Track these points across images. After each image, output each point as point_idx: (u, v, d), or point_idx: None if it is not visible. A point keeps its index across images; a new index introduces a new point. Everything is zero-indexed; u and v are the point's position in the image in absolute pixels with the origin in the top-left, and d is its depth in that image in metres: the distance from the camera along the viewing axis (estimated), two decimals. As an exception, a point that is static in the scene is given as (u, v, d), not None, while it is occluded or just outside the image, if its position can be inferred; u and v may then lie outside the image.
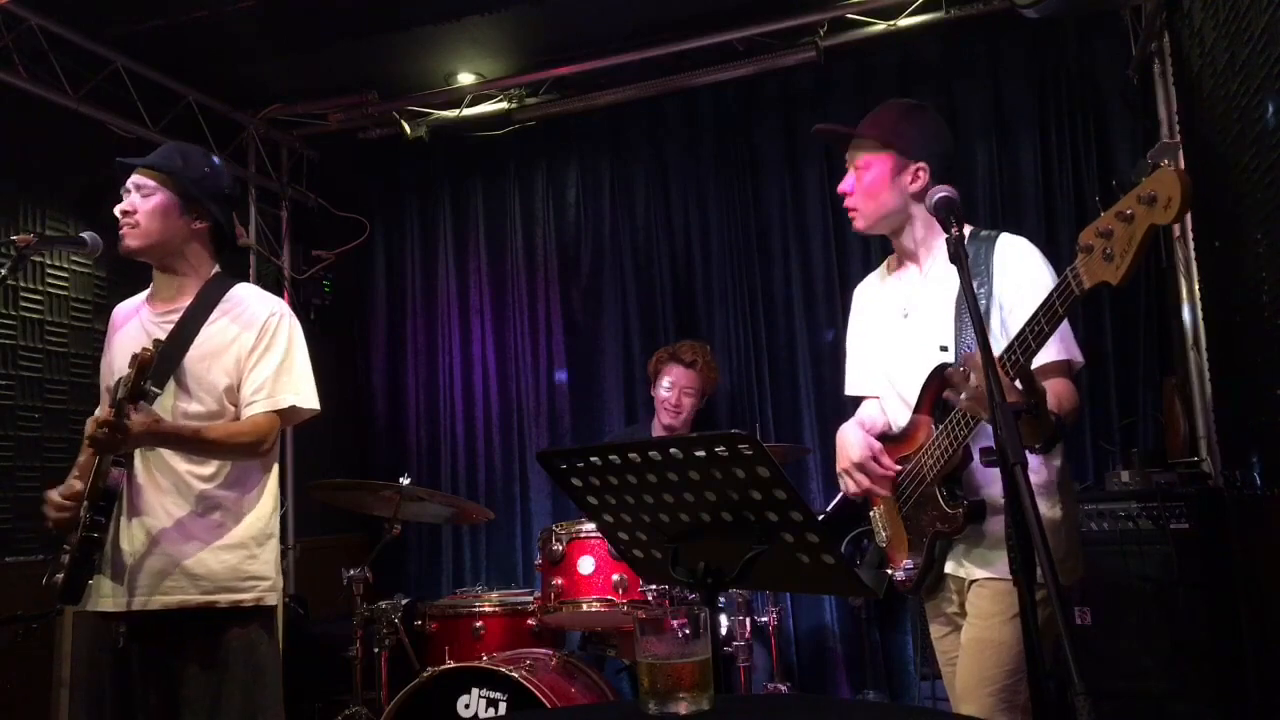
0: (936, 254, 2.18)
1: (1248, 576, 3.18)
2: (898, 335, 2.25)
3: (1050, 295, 1.68)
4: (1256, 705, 3.11)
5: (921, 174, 2.17)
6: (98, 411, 2.43)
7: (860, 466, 2.17)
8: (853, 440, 2.21)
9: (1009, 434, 1.40)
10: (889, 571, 2.23)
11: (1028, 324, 1.73)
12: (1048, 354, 2.00)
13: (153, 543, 2.26)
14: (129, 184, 2.39)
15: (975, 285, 2.05)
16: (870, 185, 2.20)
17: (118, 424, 2.08)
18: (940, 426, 2.03)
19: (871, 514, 2.31)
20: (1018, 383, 1.75)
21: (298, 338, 2.44)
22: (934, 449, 2.05)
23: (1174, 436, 3.93)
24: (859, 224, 2.26)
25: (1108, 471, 3.73)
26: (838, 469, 2.25)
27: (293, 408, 2.37)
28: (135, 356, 2.09)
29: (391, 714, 3.19)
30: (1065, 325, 2.04)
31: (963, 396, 1.80)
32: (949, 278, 2.05)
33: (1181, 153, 3.71)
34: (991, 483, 2.01)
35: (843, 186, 2.26)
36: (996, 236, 2.14)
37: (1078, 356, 2.05)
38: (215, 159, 2.51)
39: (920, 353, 2.14)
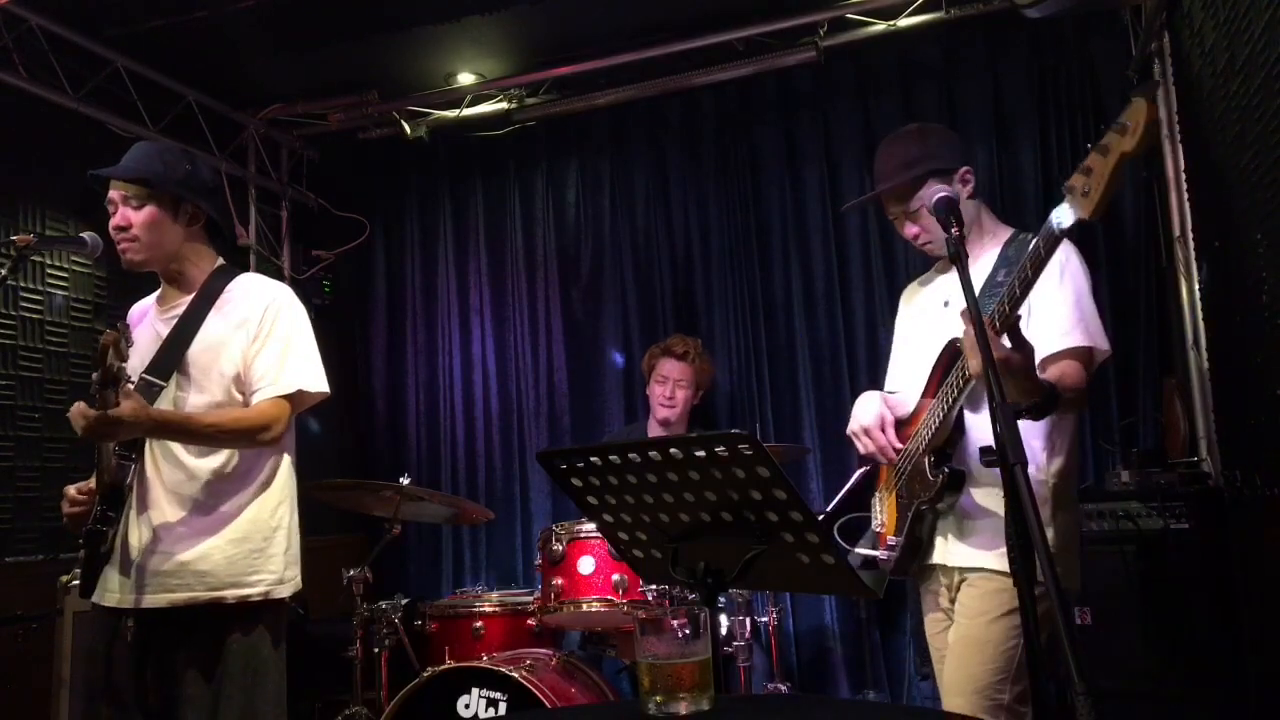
0: (984, 247, 2.22)
1: (1248, 576, 3.18)
2: (937, 323, 2.27)
3: (1036, 241, 1.70)
4: (1256, 705, 3.11)
5: (969, 175, 2.21)
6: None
7: (867, 431, 2.21)
8: (868, 407, 2.25)
9: (1009, 434, 1.40)
10: (875, 552, 2.24)
11: (1016, 272, 1.75)
12: (1070, 338, 2.02)
13: (158, 538, 2.26)
14: (114, 197, 2.34)
15: (1003, 272, 2.08)
16: None
17: (101, 414, 2.06)
18: (937, 393, 2.05)
19: (873, 498, 2.33)
20: (1005, 339, 1.76)
21: (301, 322, 2.41)
22: (930, 416, 2.08)
23: (1174, 436, 3.93)
24: (934, 250, 2.27)
25: (1108, 471, 3.73)
26: (848, 430, 2.29)
27: (299, 392, 2.34)
28: (99, 340, 2.06)
29: (391, 714, 3.19)
30: (1092, 311, 2.07)
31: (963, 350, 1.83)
32: (988, 268, 2.12)
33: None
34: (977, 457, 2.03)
35: (909, 234, 2.25)
36: (1033, 238, 2.15)
37: (1102, 345, 2.06)
38: (193, 154, 2.49)
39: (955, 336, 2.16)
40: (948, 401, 2.01)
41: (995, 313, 1.81)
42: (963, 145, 2.30)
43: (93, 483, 2.29)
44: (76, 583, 2.34)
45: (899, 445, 2.19)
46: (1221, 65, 2.86)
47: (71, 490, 2.30)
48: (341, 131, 5.18)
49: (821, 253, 4.71)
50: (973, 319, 1.57)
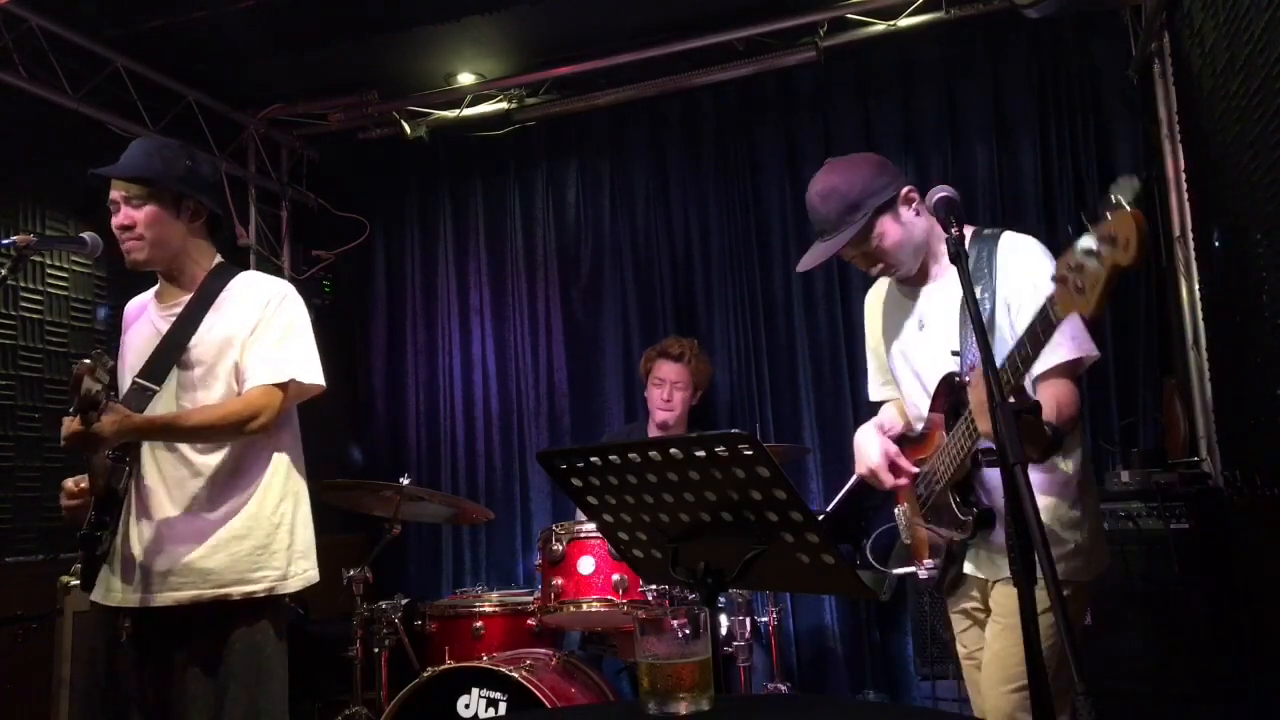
0: (945, 260, 2.18)
1: (1248, 576, 3.18)
2: (915, 345, 2.27)
3: (1033, 322, 1.67)
4: (1256, 705, 3.11)
5: (913, 195, 2.18)
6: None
7: (875, 473, 2.20)
8: (870, 445, 2.23)
9: (1009, 434, 1.40)
10: (914, 570, 2.24)
11: (1015, 348, 1.71)
12: (1060, 353, 2.00)
13: (161, 538, 2.26)
14: (116, 197, 2.34)
15: (979, 288, 2.06)
16: (895, 244, 2.18)
17: (84, 433, 2.07)
18: (950, 434, 2.04)
19: (896, 511, 2.32)
20: (1011, 399, 1.74)
21: (300, 315, 2.41)
22: (945, 455, 2.07)
23: (1174, 436, 3.93)
24: (902, 274, 2.25)
25: (1108, 471, 3.73)
26: (858, 473, 2.27)
27: (294, 381, 2.34)
28: (75, 369, 2.06)
29: (391, 714, 3.19)
30: (1076, 321, 2.04)
31: (971, 407, 1.81)
32: (958, 284, 2.07)
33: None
34: (994, 482, 2.02)
35: (873, 273, 2.26)
36: (999, 235, 2.14)
37: (1090, 352, 2.04)
38: (192, 149, 2.48)
39: (936, 361, 2.16)
40: (963, 447, 1.99)
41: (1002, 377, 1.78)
42: (890, 164, 2.25)
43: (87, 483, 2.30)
44: (76, 581, 2.35)
45: (914, 471, 2.18)
46: (1221, 65, 2.86)
47: (69, 483, 2.30)
48: (341, 131, 5.18)
49: (821, 253, 4.70)
50: (986, 381, 1.53)
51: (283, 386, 2.33)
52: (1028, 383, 1.91)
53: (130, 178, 2.33)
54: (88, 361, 2.04)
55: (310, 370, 2.38)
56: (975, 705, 2.24)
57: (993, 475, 2.04)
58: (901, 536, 2.34)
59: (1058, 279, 1.51)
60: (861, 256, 2.21)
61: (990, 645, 2.13)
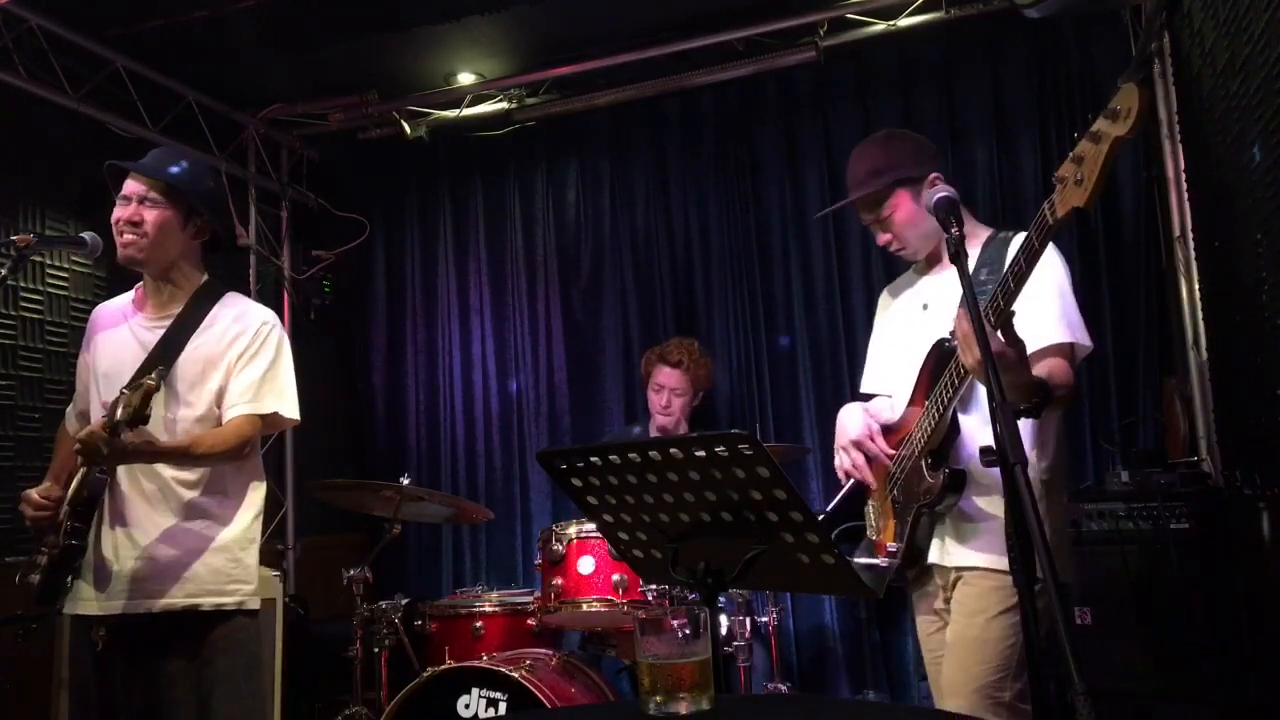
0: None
1: (1248, 576, 3.18)
2: (916, 327, 2.28)
3: (1029, 235, 1.70)
4: (1256, 705, 3.11)
5: (938, 181, 2.19)
6: (89, 409, 2.42)
7: (857, 444, 2.21)
8: (853, 419, 2.26)
9: (1009, 434, 1.40)
10: (875, 561, 2.24)
11: (1009, 265, 1.75)
12: (1054, 335, 2.03)
13: (137, 548, 2.28)
14: (131, 193, 2.35)
15: (985, 271, 2.09)
16: (904, 221, 2.23)
17: (112, 441, 2.08)
18: (929, 398, 2.05)
19: (866, 508, 2.32)
20: (999, 333, 1.76)
21: (286, 348, 2.47)
22: (924, 421, 2.08)
23: (1174, 436, 3.93)
24: (908, 255, 2.31)
25: (1108, 471, 3.72)
26: (835, 446, 2.29)
27: (274, 414, 2.39)
28: (141, 385, 2.09)
29: (391, 714, 3.19)
30: (1073, 306, 2.07)
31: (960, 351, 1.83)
32: (971, 270, 2.09)
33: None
34: (975, 458, 2.03)
35: (881, 242, 2.30)
36: (1013, 236, 2.16)
37: (1084, 340, 2.07)
38: (217, 171, 2.52)
39: (933, 342, 2.16)
40: (942, 402, 2.01)
41: (989, 307, 1.81)
42: (933, 150, 2.31)
43: (55, 490, 2.29)
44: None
45: (891, 452, 2.19)
46: (1221, 65, 2.86)
47: (35, 495, 2.29)
48: (341, 131, 5.17)
49: (821, 253, 4.71)
50: (970, 313, 1.57)
51: (264, 417, 2.38)
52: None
53: (158, 178, 2.36)
54: (154, 381, 2.10)
55: (291, 406, 2.45)
56: (938, 705, 2.23)
57: (969, 449, 2.04)
58: (868, 533, 2.34)
59: (1058, 180, 1.57)
60: (876, 223, 2.28)
61: (951, 648, 2.12)
